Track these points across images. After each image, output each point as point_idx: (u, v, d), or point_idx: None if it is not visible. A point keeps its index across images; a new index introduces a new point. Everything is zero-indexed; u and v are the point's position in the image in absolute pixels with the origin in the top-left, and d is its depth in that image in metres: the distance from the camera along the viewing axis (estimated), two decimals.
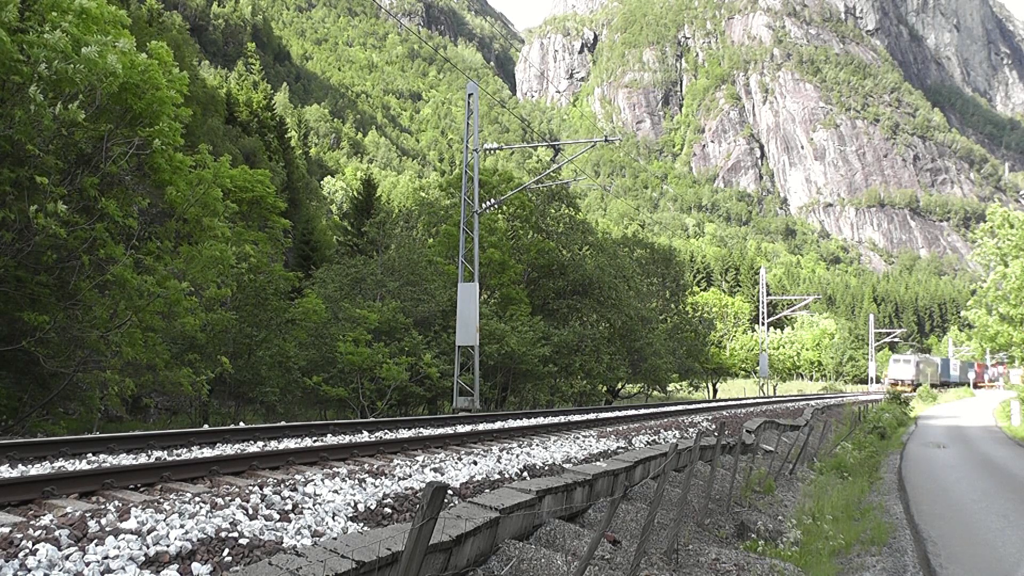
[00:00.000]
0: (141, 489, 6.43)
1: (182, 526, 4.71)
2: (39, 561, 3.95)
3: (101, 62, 11.60)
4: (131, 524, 4.63)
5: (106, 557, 4.13)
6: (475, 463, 8.68)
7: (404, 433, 11.77)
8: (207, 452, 8.49)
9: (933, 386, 71.35)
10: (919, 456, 20.42)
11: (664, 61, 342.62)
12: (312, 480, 6.72)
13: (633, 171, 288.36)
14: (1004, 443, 24.92)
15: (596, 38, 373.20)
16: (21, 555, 4.01)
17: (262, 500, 5.72)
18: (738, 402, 36.46)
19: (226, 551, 4.49)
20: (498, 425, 13.96)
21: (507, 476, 8.07)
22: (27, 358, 12.23)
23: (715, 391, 67.18)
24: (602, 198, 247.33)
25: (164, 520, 4.80)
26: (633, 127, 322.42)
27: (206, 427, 11.31)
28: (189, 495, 5.83)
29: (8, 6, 11.25)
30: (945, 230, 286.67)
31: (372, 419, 14.60)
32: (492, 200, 27.69)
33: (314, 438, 10.53)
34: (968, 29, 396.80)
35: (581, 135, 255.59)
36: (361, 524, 5.65)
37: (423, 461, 8.54)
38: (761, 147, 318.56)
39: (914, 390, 65.81)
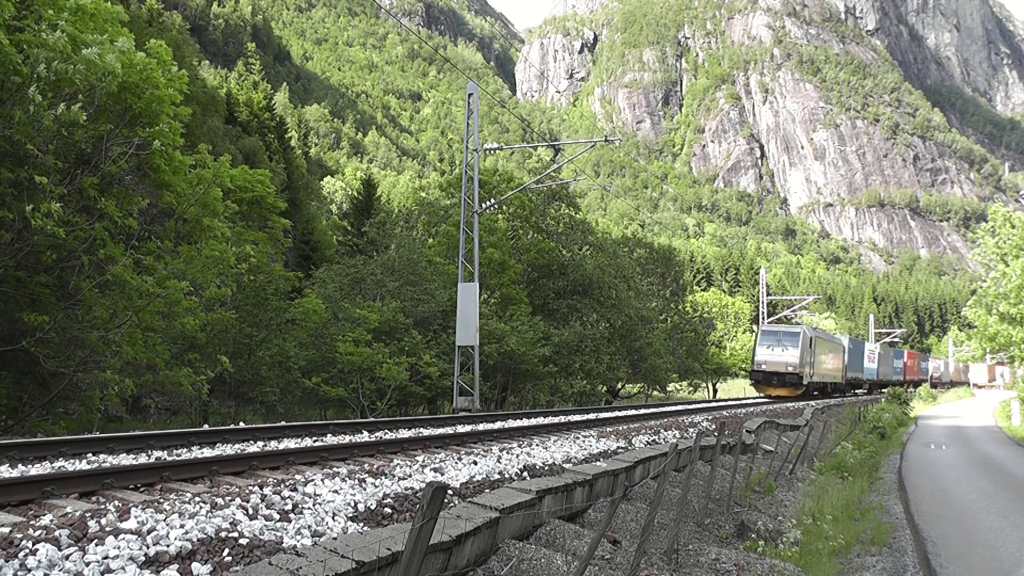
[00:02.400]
0: (141, 489, 6.43)
1: (182, 526, 4.71)
2: (39, 561, 3.95)
3: (100, 62, 11.59)
4: (131, 524, 4.63)
5: (106, 557, 4.13)
6: (475, 463, 8.68)
7: (404, 433, 11.77)
8: (207, 452, 8.48)
9: (835, 388, 44.58)
10: (919, 456, 20.42)
11: (664, 61, 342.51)
12: (312, 480, 6.72)
13: (633, 171, 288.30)
14: (1004, 443, 24.91)
15: (596, 38, 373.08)
16: (21, 555, 4.01)
17: (262, 500, 5.72)
18: (738, 402, 36.41)
19: (226, 551, 4.49)
20: (498, 425, 13.96)
21: (507, 476, 8.06)
22: (27, 358, 12.22)
23: (715, 391, 67.12)
24: (602, 198, 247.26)
25: (164, 520, 4.79)
26: (633, 127, 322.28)
27: (206, 427, 11.31)
28: (189, 495, 5.83)
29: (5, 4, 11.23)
30: (945, 230, 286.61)
31: (372, 419, 14.59)
32: (492, 200, 27.69)
33: (314, 438, 10.52)
34: (968, 29, 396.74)
35: (581, 135, 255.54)
36: (361, 524, 5.65)
37: (423, 461, 8.54)
38: (761, 147, 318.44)
39: (804, 393, 37.19)
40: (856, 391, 54.05)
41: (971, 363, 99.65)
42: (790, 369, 35.13)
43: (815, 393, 40.50)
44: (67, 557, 4.08)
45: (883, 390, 59.74)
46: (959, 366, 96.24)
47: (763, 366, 35.78)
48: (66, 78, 11.45)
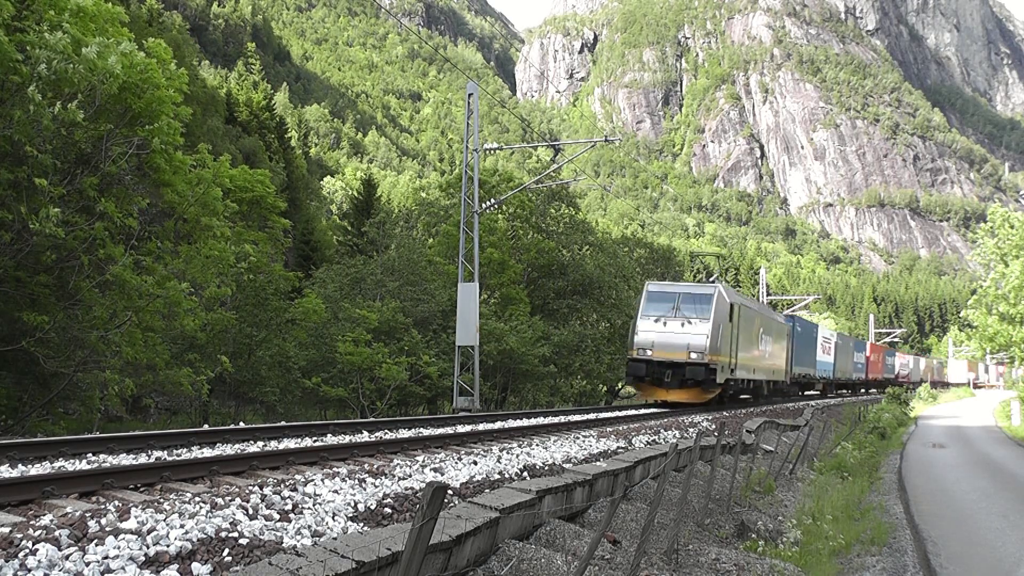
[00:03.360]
0: (141, 489, 6.43)
1: (182, 526, 4.71)
2: (39, 561, 3.95)
3: (101, 63, 11.59)
4: (131, 524, 4.63)
5: (106, 557, 4.13)
6: (475, 463, 8.67)
7: (404, 433, 11.76)
8: (207, 452, 8.48)
9: (775, 389, 30.10)
10: (919, 456, 20.42)
11: (664, 61, 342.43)
12: (312, 480, 6.72)
13: (633, 171, 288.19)
14: (1004, 443, 24.93)
15: (596, 38, 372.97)
16: (21, 555, 4.01)
17: (262, 500, 5.72)
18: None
19: (226, 551, 4.49)
20: (498, 425, 13.96)
21: (507, 476, 8.06)
22: (27, 358, 12.22)
23: None
24: (602, 198, 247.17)
25: (164, 520, 4.79)
26: (633, 127, 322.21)
27: (206, 427, 11.30)
28: (189, 495, 5.83)
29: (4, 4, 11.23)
30: (945, 230, 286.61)
31: (372, 419, 14.59)
32: (492, 200, 27.70)
33: (314, 438, 10.51)
34: (968, 29, 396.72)
35: (581, 135, 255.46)
36: (361, 524, 5.65)
37: (423, 461, 8.54)
38: (761, 147, 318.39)
39: (718, 397, 22.85)
40: (805, 392, 39.13)
41: (950, 360, 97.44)
42: (694, 357, 20.56)
43: (744, 398, 26.93)
44: (67, 557, 4.08)
45: (840, 391, 47.93)
46: (932, 363, 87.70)
47: (648, 351, 20.98)
48: (66, 78, 11.45)
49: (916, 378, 73.05)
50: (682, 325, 21.05)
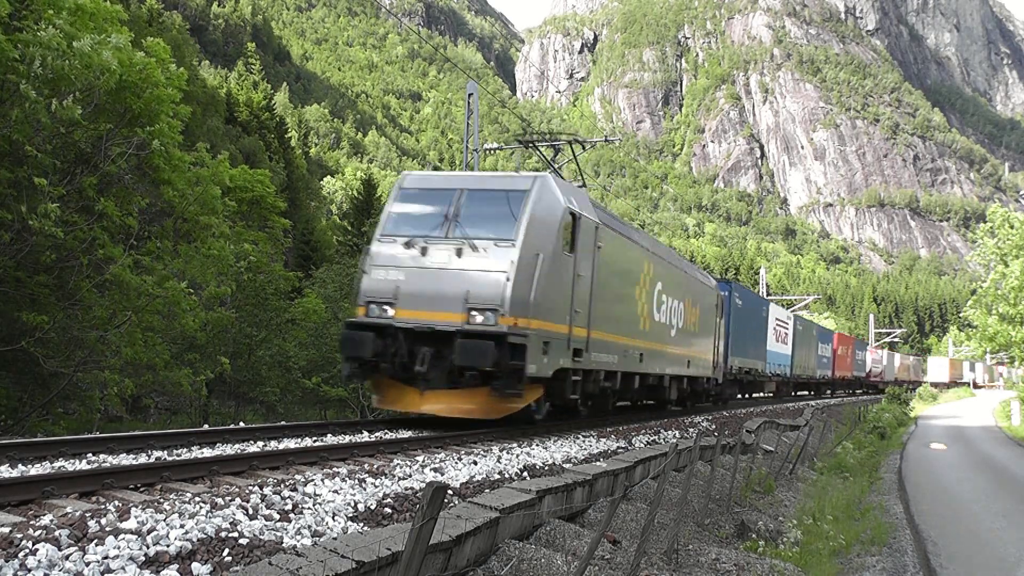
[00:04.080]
0: (141, 489, 6.42)
1: (182, 526, 4.70)
2: (39, 561, 3.95)
3: (96, 57, 11.57)
4: (131, 524, 4.62)
5: (106, 557, 4.13)
6: (475, 463, 8.68)
7: (404, 433, 11.75)
8: (207, 452, 8.47)
9: (694, 388, 18.31)
10: (919, 456, 20.43)
11: (664, 61, 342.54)
12: (312, 480, 6.72)
13: (633, 171, 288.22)
14: (1004, 443, 24.95)
15: (596, 38, 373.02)
16: (21, 555, 4.00)
17: (262, 500, 5.72)
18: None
19: (226, 551, 4.49)
20: None
21: (507, 476, 8.06)
22: (27, 358, 12.22)
23: None
24: (602, 198, 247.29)
25: (164, 520, 4.79)
26: (633, 127, 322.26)
27: (206, 427, 11.29)
28: (189, 495, 5.83)
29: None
30: (945, 230, 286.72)
31: (372, 419, 14.59)
32: None
33: (314, 438, 10.49)
34: (968, 29, 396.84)
35: (581, 135, 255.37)
36: (361, 524, 5.65)
37: (423, 461, 8.54)
38: (761, 147, 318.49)
39: (542, 396, 11.06)
40: (749, 395, 29.09)
41: (931, 358, 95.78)
42: (479, 320, 9.65)
43: (649, 403, 17.70)
44: (67, 557, 4.07)
45: (800, 393, 37.31)
46: (908, 362, 79.34)
47: (387, 309, 10.20)
48: (63, 75, 11.45)
49: (890, 377, 63.81)
50: (458, 254, 10.20)
